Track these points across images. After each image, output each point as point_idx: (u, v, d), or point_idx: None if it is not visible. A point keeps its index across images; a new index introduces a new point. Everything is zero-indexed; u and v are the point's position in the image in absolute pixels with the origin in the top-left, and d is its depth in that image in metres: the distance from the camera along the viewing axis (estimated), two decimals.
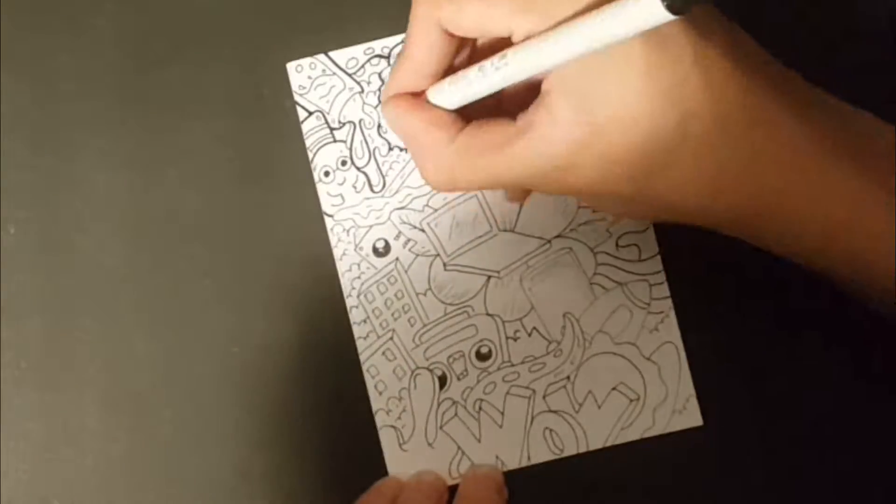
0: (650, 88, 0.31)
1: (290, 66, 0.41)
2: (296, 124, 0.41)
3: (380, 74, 0.41)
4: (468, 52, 0.37)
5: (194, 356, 0.41)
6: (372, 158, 0.41)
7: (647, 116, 0.32)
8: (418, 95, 0.36)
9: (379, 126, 0.41)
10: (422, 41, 0.35)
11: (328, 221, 0.41)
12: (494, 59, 0.33)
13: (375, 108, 0.41)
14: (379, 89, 0.41)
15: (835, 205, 0.33)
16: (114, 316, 0.41)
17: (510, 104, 0.35)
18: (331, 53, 0.41)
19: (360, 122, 0.41)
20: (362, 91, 0.41)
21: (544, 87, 0.33)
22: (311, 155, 0.41)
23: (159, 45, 0.41)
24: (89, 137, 0.41)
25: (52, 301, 0.41)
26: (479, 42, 0.36)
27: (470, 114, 0.36)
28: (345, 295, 0.41)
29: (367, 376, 0.41)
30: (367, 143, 0.41)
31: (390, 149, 0.41)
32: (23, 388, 0.41)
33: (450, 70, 0.36)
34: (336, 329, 0.41)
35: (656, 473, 0.40)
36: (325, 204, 0.41)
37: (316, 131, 0.41)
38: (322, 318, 0.41)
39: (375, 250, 0.41)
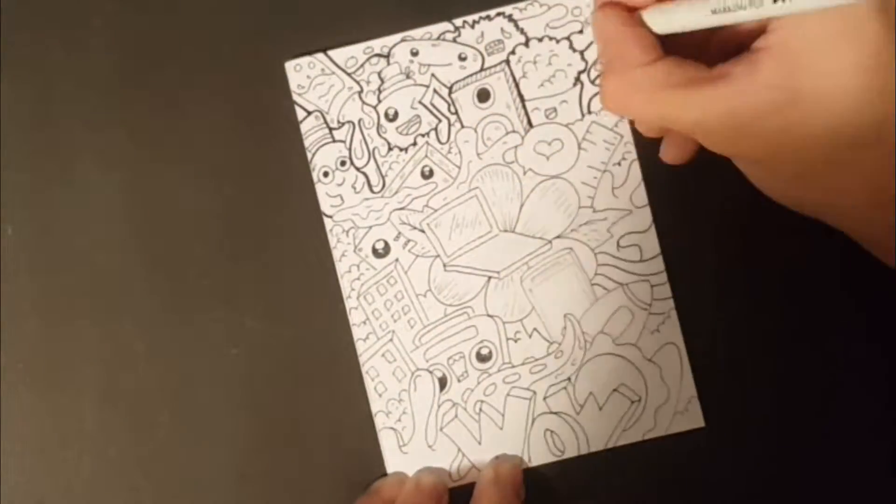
0: (875, 73, 0.31)
1: (289, 66, 0.41)
2: (294, 124, 0.41)
3: (379, 74, 0.41)
4: None
5: (193, 357, 0.41)
6: (371, 159, 0.41)
7: (856, 100, 0.31)
8: (631, 11, 0.36)
9: (378, 126, 0.41)
10: None
11: (327, 222, 0.41)
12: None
13: (375, 107, 0.41)
14: (378, 89, 0.41)
15: None
16: (112, 317, 0.41)
17: (712, 55, 0.34)
18: (330, 52, 0.41)
19: (359, 121, 0.41)
20: (361, 90, 0.41)
21: (758, 44, 0.32)
22: (309, 155, 0.41)
23: (157, 44, 0.41)
24: (88, 137, 0.41)
25: (51, 302, 0.41)
26: None
27: (669, 50, 0.35)
28: (344, 296, 0.40)
29: (366, 378, 0.40)
30: (366, 143, 0.41)
31: (390, 149, 0.41)
32: (21, 390, 0.41)
33: None
34: (336, 330, 0.41)
35: (658, 475, 0.40)
36: (325, 204, 0.41)
37: (315, 131, 0.41)
38: (322, 319, 0.41)
39: (375, 251, 0.41)
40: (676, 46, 0.35)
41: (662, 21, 0.35)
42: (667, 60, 0.34)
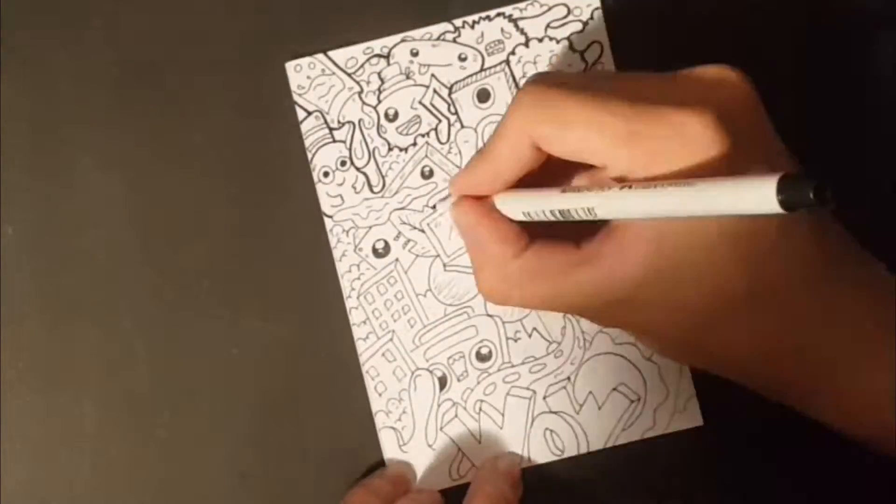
0: (732, 252, 0.31)
1: (289, 66, 0.41)
2: (295, 124, 0.41)
3: (379, 74, 0.41)
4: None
5: (194, 357, 0.41)
6: (371, 159, 0.41)
7: (725, 276, 0.31)
8: (484, 198, 0.36)
9: (378, 126, 0.41)
10: (509, 152, 0.34)
11: (328, 222, 0.41)
12: (580, 202, 0.32)
13: (375, 107, 0.41)
14: (378, 89, 0.41)
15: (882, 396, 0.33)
16: (113, 317, 0.41)
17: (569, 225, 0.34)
18: (330, 53, 0.41)
19: (359, 122, 0.41)
20: (361, 91, 0.41)
21: (616, 221, 0.32)
22: (310, 155, 0.41)
23: (157, 44, 0.41)
24: (88, 137, 0.41)
25: (51, 301, 0.41)
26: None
27: (531, 227, 0.35)
28: (344, 296, 0.41)
29: (366, 378, 0.40)
30: (366, 143, 0.41)
31: (390, 149, 0.41)
32: (21, 390, 0.41)
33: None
34: (336, 330, 0.41)
35: (657, 474, 0.40)
36: (325, 204, 0.41)
37: (315, 131, 0.41)
38: (322, 319, 0.41)
39: (375, 251, 0.41)
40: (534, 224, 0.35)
41: (516, 211, 0.35)
42: (535, 249, 0.35)
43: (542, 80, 0.33)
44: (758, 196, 0.27)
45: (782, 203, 0.26)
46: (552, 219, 0.34)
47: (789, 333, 0.32)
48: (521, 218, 0.35)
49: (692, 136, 0.30)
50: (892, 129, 0.40)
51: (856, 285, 0.33)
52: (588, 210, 0.32)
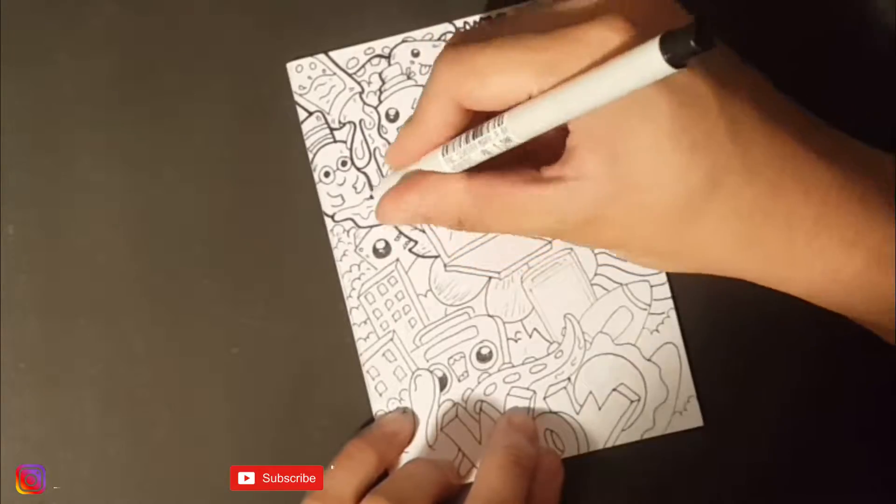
0: (678, 143, 0.31)
1: (290, 66, 0.41)
2: (296, 124, 0.41)
3: (380, 74, 0.41)
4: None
5: (194, 357, 0.41)
6: (372, 159, 0.41)
7: (677, 170, 0.31)
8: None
9: (379, 126, 0.41)
10: (437, 115, 0.34)
11: (328, 222, 0.41)
12: (493, 127, 0.33)
13: (376, 108, 0.41)
14: (379, 90, 0.41)
15: (863, 253, 0.33)
16: (113, 317, 0.41)
17: (534, 159, 0.35)
18: (331, 53, 0.41)
19: (360, 122, 0.41)
20: (363, 91, 0.41)
21: (570, 142, 0.33)
22: (311, 155, 0.41)
23: (158, 45, 0.41)
24: (88, 137, 0.41)
25: (52, 301, 0.41)
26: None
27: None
28: (345, 296, 0.41)
29: (367, 377, 0.40)
30: (367, 143, 0.41)
31: None
32: (22, 389, 0.41)
33: None
34: (336, 330, 0.41)
35: (657, 474, 0.40)
36: (326, 204, 0.41)
37: (316, 131, 0.41)
38: (322, 318, 0.41)
39: (376, 251, 0.41)
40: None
41: (436, 160, 0.35)
42: (484, 174, 0.34)
43: (457, 39, 0.34)
44: (647, 62, 0.27)
45: (670, 60, 0.27)
46: (476, 158, 0.34)
47: (760, 212, 0.32)
48: (448, 169, 0.35)
49: (601, 44, 0.30)
50: None
51: (811, 152, 0.33)
52: (501, 132, 0.32)
